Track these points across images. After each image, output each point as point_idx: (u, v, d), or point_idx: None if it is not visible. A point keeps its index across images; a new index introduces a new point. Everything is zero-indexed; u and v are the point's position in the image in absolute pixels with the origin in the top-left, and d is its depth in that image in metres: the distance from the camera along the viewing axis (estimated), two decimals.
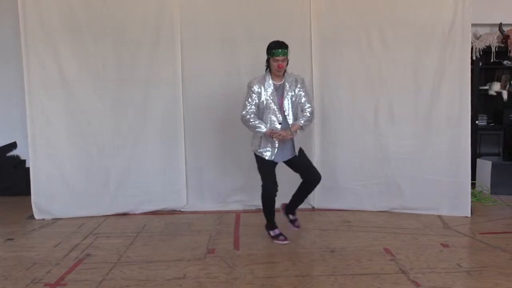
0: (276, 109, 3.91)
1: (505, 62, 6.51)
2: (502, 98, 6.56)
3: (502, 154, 6.56)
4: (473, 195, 5.27)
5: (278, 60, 3.80)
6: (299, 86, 3.96)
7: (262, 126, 3.89)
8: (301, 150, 4.10)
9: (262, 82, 3.92)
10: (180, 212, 5.15)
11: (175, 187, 5.14)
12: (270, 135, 3.88)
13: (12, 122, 5.96)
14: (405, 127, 4.96)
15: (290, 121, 3.94)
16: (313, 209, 5.19)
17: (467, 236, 4.27)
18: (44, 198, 4.92)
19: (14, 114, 5.88)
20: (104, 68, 4.95)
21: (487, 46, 6.35)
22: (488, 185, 5.90)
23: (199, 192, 5.21)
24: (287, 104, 3.93)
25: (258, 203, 5.16)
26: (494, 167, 5.91)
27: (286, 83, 3.94)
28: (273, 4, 5.05)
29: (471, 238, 4.21)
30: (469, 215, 4.85)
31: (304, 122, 3.95)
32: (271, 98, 3.90)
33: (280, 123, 3.92)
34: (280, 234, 4.13)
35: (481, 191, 5.87)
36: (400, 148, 4.96)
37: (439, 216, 4.82)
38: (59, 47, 4.87)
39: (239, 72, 5.08)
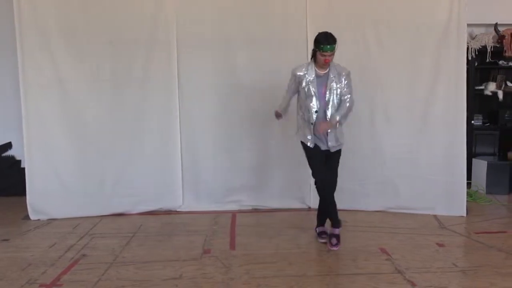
0: (315, 97, 3.85)
1: (500, 62, 6.53)
2: (497, 98, 6.57)
3: (497, 154, 6.57)
4: (468, 194, 5.29)
5: (325, 55, 3.75)
6: (343, 78, 3.90)
7: (278, 107, 4.13)
8: (338, 152, 4.02)
9: (305, 68, 3.88)
10: (176, 212, 5.14)
11: (171, 187, 5.14)
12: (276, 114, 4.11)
13: (8, 123, 5.93)
14: (401, 127, 4.97)
15: (329, 112, 3.87)
16: (309, 209, 5.19)
17: (462, 235, 4.29)
18: (39, 198, 4.90)
19: (9, 114, 5.85)
20: (100, 68, 4.94)
21: (482, 46, 6.37)
22: (484, 184, 5.91)
23: (195, 192, 5.21)
24: (328, 94, 3.86)
25: (253, 203, 5.22)
26: (489, 167, 5.92)
27: (330, 74, 3.88)
28: (269, 5, 5.05)
29: (467, 238, 4.22)
30: (464, 214, 4.86)
31: (340, 116, 3.89)
32: (312, 85, 3.84)
33: (316, 111, 3.86)
34: (324, 232, 4.11)
35: (476, 191, 5.89)
36: (396, 148, 4.97)
37: (435, 216, 4.84)
38: (54, 47, 4.85)
39: (235, 72, 5.09)
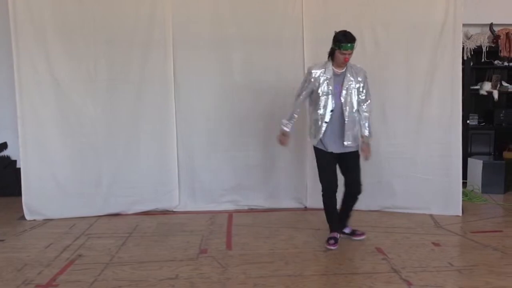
0: (331, 96, 3.82)
1: (496, 62, 6.56)
2: (493, 97, 6.61)
3: (492, 153, 6.60)
4: (464, 194, 5.31)
5: (345, 54, 3.73)
6: (360, 79, 3.89)
7: (287, 126, 3.96)
8: (356, 153, 3.97)
9: (322, 67, 3.86)
10: (173, 212, 5.14)
11: (167, 188, 5.13)
12: (279, 138, 3.99)
13: (3, 123, 5.92)
14: (397, 126, 4.98)
15: (346, 111, 3.83)
16: (305, 209, 5.21)
17: (458, 235, 4.30)
18: (35, 198, 4.89)
19: (4, 114, 5.84)
20: (96, 68, 4.93)
21: (478, 46, 6.39)
22: (479, 184, 5.94)
23: (191, 192, 5.21)
24: (345, 93, 3.84)
25: (250, 203, 5.22)
26: (485, 166, 5.95)
27: (347, 73, 3.86)
28: (265, 4, 5.05)
29: (462, 237, 4.24)
30: (460, 214, 4.88)
31: (368, 131, 3.93)
32: (329, 84, 3.82)
33: (332, 110, 3.83)
34: (332, 237, 3.99)
35: (472, 190, 5.91)
36: (392, 148, 4.98)
37: (431, 215, 4.85)
38: (50, 47, 4.84)
39: (231, 72, 5.09)
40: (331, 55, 3.84)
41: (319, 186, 5.10)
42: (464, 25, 4.99)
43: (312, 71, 3.87)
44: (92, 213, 4.95)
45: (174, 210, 5.16)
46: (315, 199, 5.14)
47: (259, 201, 5.21)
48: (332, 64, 3.85)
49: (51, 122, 4.90)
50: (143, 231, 4.47)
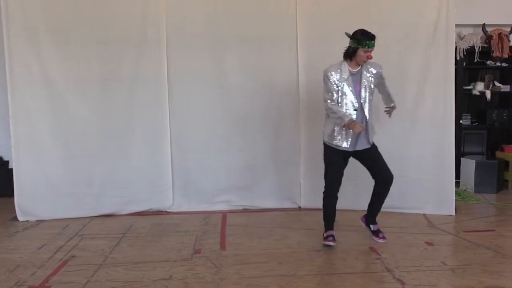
0: (353, 96, 3.84)
1: (488, 62, 6.60)
2: (485, 98, 6.64)
3: (485, 153, 6.64)
4: (457, 193, 5.33)
5: (368, 51, 3.76)
6: (375, 72, 3.92)
7: (345, 118, 3.80)
8: (374, 145, 4.01)
9: (338, 69, 3.86)
10: (166, 212, 5.13)
11: (161, 188, 5.12)
12: (348, 125, 3.82)
13: None
14: (390, 126, 4.97)
15: (366, 109, 3.86)
16: (299, 209, 5.21)
17: (451, 234, 4.32)
18: (27, 199, 4.85)
19: None
20: (89, 68, 4.90)
21: (470, 47, 6.42)
22: (472, 183, 5.97)
23: (185, 192, 5.19)
24: (364, 92, 3.86)
25: (244, 203, 5.22)
26: (477, 166, 5.98)
27: (363, 71, 3.88)
28: (259, 4, 5.04)
29: (455, 236, 4.26)
30: (453, 213, 4.90)
31: (393, 100, 4.07)
32: (348, 84, 3.83)
33: (355, 109, 3.84)
34: (330, 235, 4.00)
35: (465, 190, 5.94)
36: (385, 147, 4.97)
37: (424, 215, 4.87)
38: (42, 47, 4.80)
39: (225, 72, 5.08)
40: (349, 55, 3.85)
41: (313, 186, 5.15)
42: (456, 25, 5.01)
43: (330, 74, 3.85)
44: (85, 214, 4.92)
45: (168, 210, 5.15)
46: (309, 199, 5.18)
47: (253, 201, 5.20)
48: (348, 64, 3.87)
49: (43, 122, 4.87)
50: (137, 232, 4.45)
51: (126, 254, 3.84)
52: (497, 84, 6.67)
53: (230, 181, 5.18)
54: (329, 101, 3.89)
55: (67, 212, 4.88)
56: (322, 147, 5.05)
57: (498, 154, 6.43)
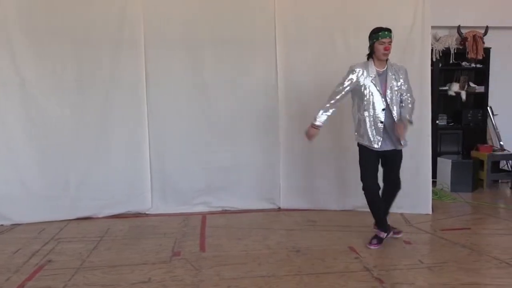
0: (380, 96, 3.83)
1: (463, 63, 6.71)
2: (461, 98, 6.75)
3: (461, 152, 6.75)
4: (434, 193, 5.40)
5: (384, 43, 3.76)
6: (402, 76, 3.92)
7: (319, 120, 3.87)
8: (401, 151, 4.00)
9: (365, 67, 3.85)
10: (145, 215, 5.07)
11: (139, 190, 5.07)
12: (308, 133, 3.90)
13: None
14: None
15: (393, 110, 3.86)
16: (279, 209, 5.22)
17: (428, 233, 4.38)
18: (1, 203, 4.73)
19: None
20: (64, 69, 4.82)
21: (446, 48, 6.53)
22: (448, 183, 6.06)
23: (164, 194, 5.15)
24: (389, 92, 3.85)
25: (223, 204, 5.20)
26: (453, 165, 6.08)
27: (389, 72, 3.88)
28: (237, 5, 5.04)
29: (432, 235, 4.32)
30: (430, 212, 4.97)
31: (409, 115, 3.92)
32: (375, 83, 3.82)
33: (383, 109, 3.83)
34: (378, 237, 3.98)
35: (441, 189, 6.03)
36: None
37: (402, 214, 4.92)
38: (16, 47, 4.70)
39: (204, 73, 5.06)
40: (370, 54, 3.88)
41: (292, 187, 5.18)
42: (432, 27, 5.09)
43: (356, 69, 3.84)
44: (61, 217, 4.83)
45: (147, 212, 5.10)
46: (288, 200, 5.21)
47: (233, 203, 5.19)
48: (374, 63, 3.87)
49: (17, 123, 4.76)
50: (114, 235, 4.40)
51: (104, 257, 3.79)
52: (472, 85, 6.79)
53: (209, 183, 5.15)
54: (335, 87, 3.89)
55: (43, 216, 4.79)
56: (299, 147, 5.12)
57: (473, 153, 6.55)
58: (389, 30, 3.81)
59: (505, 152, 6.58)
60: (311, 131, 3.94)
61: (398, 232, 4.22)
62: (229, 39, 5.01)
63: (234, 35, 5.03)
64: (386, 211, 4.13)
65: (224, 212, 5.17)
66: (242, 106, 5.11)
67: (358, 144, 3.98)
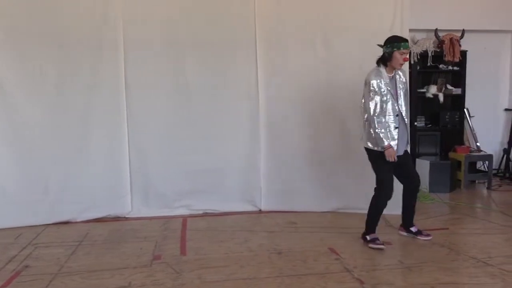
0: (394, 100, 3.87)
1: (441, 66, 6.81)
2: (438, 100, 6.85)
3: (439, 154, 6.84)
4: None
5: (404, 53, 3.80)
6: (404, 80, 4.01)
7: (386, 141, 3.82)
8: (407, 151, 4.08)
9: (379, 75, 3.87)
10: (125, 218, 5.02)
11: (119, 193, 5.01)
12: (390, 155, 3.83)
13: None
14: (350, 128, 5.05)
15: (404, 112, 3.92)
16: (260, 211, 5.22)
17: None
18: None
19: None
20: (43, 71, 4.74)
21: (424, 51, 6.62)
22: (427, 183, 6.13)
23: (144, 197, 5.10)
24: (400, 97, 3.92)
25: (204, 207, 5.18)
26: (432, 166, 6.15)
27: (396, 76, 3.94)
28: (217, 6, 5.04)
29: (412, 235, 4.36)
30: None
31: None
32: (389, 89, 3.85)
33: (397, 115, 3.88)
34: (377, 238, 4.01)
35: (420, 190, 6.08)
36: (344, 150, 5.06)
37: (382, 215, 4.95)
38: None
39: (184, 75, 5.04)
40: (384, 60, 3.89)
41: (273, 189, 5.18)
42: (410, 30, 5.16)
43: (373, 82, 3.85)
44: (39, 222, 4.74)
45: (127, 216, 5.04)
46: (269, 202, 5.21)
47: (214, 205, 5.17)
48: (385, 69, 3.90)
49: None
50: (94, 239, 4.34)
51: (83, 262, 3.74)
52: (449, 87, 6.89)
53: (190, 185, 5.11)
54: (371, 114, 3.85)
55: (20, 220, 4.69)
56: (280, 150, 5.13)
57: (451, 154, 6.64)
58: (407, 41, 3.89)
59: (481, 153, 6.69)
60: (390, 151, 3.85)
61: (427, 235, 4.23)
62: (209, 40, 5.00)
63: (215, 38, 5.02)
64: (413, 210, 4.25)
65: (205, 215, 5.15)
66: (223, 108, 5.10)
67: (371, 151, 3.98)
